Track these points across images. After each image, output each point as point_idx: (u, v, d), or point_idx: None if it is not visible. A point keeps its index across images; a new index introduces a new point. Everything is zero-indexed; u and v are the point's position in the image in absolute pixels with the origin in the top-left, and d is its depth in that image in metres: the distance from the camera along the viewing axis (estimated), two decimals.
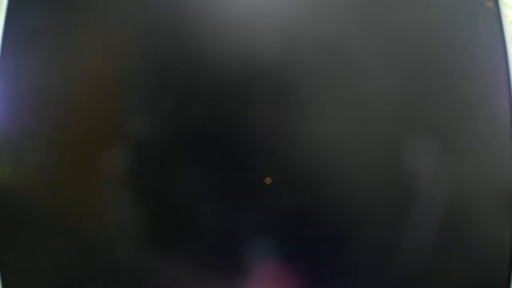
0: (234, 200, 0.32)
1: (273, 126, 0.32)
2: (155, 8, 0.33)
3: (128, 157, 0.32)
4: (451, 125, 0.33)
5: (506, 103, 0.33)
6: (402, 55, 0.33)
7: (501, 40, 0.33)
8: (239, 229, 0.32)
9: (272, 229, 0.32)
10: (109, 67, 0.33)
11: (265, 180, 0.32)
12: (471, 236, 0.33)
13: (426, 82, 0.33)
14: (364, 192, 0.32)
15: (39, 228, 0.32)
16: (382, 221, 0.32)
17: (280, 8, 0.33)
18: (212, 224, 0.32)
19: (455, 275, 0.33)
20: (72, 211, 0.32)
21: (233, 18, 0.33)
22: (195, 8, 0.33)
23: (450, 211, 0.32)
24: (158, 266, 0.32)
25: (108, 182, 0.32)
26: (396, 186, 0.32)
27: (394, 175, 0.32)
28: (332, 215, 0.32)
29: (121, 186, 0.32)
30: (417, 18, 0.34)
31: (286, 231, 0.32)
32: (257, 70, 0.32)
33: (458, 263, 0.33)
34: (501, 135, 0.33)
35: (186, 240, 0.32)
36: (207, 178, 0.32)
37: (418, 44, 0.33)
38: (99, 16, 0.33)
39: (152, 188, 0.32)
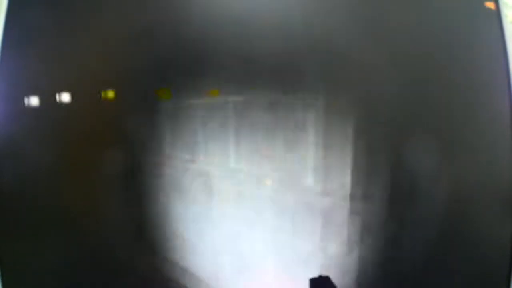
0: (234, 200, 0.32)
1: (273, 126, 0.32)
2: (155, 8, 0.33)
3: (128, 157, 0.32)
4: (452, 125, 0.33)
5: (506, 103, 0.33)
6: (402, 55, 0.33)
7: (501, 40, 0.33)
8: (238, 230, 0.32)
9: (270, 225, 0.32)
10: (108, 67, 0.33)
11: (266, 181, 0.32)
12: (472, 235, 0.33)
13: (426, 82, 0.33)
14: (364, 192, 0.32)
15: (39, 228, 0.32)
16: (383, 221, 0.32)
17: (280, 8, 0.33)
18: (212, 224, 0.32)
19: (455, 274, 0.33)
20: (72, 211, 0.32)
21: (232, 18, 0.33)
22: (196, 8, 0.33)
23: (451, 211, 0.32)
24: (158, 266, 0.32)
25: (108, 182, 0.32)
26: (397, 185, 0.32)
27: (394, 174, 0.32)
28: (333, 215, 0.32)
29: (121, 186, 0.32)
30: (417, 18, 0.34)
31: (287, 229, 0.32)
32: (256, 70, 0.32)
33: (458, 262, 0.33)
34: (501, 135, 0.33)
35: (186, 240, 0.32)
36: (207, 178, 0.32)
37: (418, 44, 0.33)
38: (99, 16, 0.33)
39: (152, 188, 0.32)
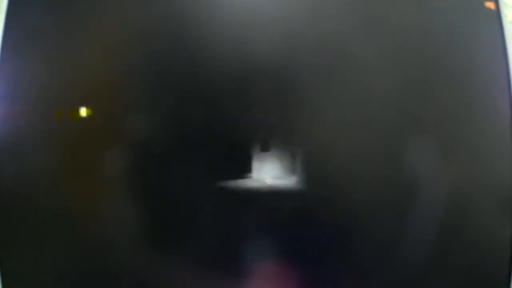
0: (235, 200, 0.32)
1: (273, 126, 0.32)
2: (156, 8, 0.33)
3: (128, 157, 0.32)
4: (451, 125, 0.33)
5: (506, 103, 0.33)
6: (402, 55, 0.33)
7: (501, 40, 0.33)
8: (240, 229, 0.32)
9: (273, 229, 0.32)
10: (109, 67, 0.33)
11: (266, 180, 0.32)
12: (471, 236, 0.33)
13: (425, 82, 0.33)
14: (364, 192, 0.32)
15: (39, 228, 0.32)
16: (382, 221, 0.32)
17: (280, 7, 0.33)
18: (213, 224, 0.32)
19: (455, 274, 0.33)
20: (73, 211, 0.32)
21: (233, 18, 0.33)
22: (195, 8, 0.33)
23: (451, 211, 0.32)
24: (158, 266, 0.32)
25: (109, 182, 0.32)
26: (397, 186, 0.32)
27: (394, 175, 0.32)
28: (333, 215, 0.32)
29: (122, 186, 0.32)
30: (417, 18, 0.34)
31: (287, 231, 0.32)
32: (257, 70, 0.32)
33: (458, 262, 0.33)
34: (501, 135, 0.33)
35: (187, 240, 0.32)
36: (208, 178, 0.32)
37: (418, 44, 0.33)
38: (99, 16, 0.33)
39: (153, 188, 0.32)
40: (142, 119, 0.32)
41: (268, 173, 0.32)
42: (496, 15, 0.34)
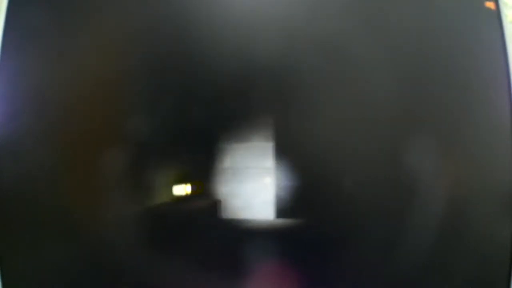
0: (234, 200, 0.32)
1: (273, 125, 0.32)
2: (156, 8, 0.33)
3: (129, 157, 0.32)
4: (451, 125, 0.33)
5: (506, 103, 0.33)
6: (402, 55, 0.33)
7: (501, 40, 0.33)
8: (239, 230, 0.32)
9: (272, 229, 0.32)
10: (109, 67, 0.33)
11: (265, 180, 0.32)
12: (471, 236, 0.33)
13: (425, 82, 0.33)
14: (364, 192, 0.32)
15: (39, 228, 0.32)
16: (382, 221, 0.32)
17: (280, 7, 0.33)
18: (212, 225, 0.32)
19: (455, 275, 0.33)
20: (73, 211, 0.32)
21: (233, 17, 0.33)
22: (196, 8, 0.33)
23: (451, 211, 0.32)
24: (158, 266, 0.32)
25: (109, 182, 0.32)
26: (396, 186, 0.32)
27: (394, 175, 0.32)
28: (333, 216, 0.32)
29: (122, 187, 0.32)
30: (417, 18, 0.34)
31: (287, 232, 0.32)
32: (257, 70, 0.32)
33: (458, 263, 0.33)
34: (501, 135, 0.33)
35: (186, 240, 0.32)
36: (207, 178, 0.32)
37: (418, 44, 0.33)
38: (99, 16, 0.33)
39: (153, 188, 0.32)
40: (142, 119, 0.32)
41: (268, 172, 0.32)
42: (496, 15, 0.34)
